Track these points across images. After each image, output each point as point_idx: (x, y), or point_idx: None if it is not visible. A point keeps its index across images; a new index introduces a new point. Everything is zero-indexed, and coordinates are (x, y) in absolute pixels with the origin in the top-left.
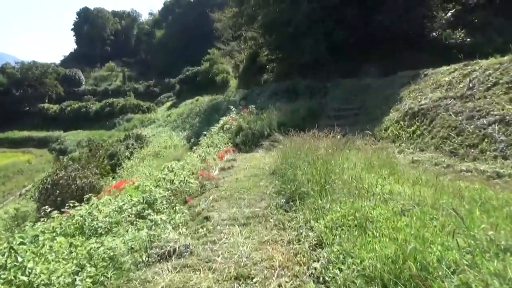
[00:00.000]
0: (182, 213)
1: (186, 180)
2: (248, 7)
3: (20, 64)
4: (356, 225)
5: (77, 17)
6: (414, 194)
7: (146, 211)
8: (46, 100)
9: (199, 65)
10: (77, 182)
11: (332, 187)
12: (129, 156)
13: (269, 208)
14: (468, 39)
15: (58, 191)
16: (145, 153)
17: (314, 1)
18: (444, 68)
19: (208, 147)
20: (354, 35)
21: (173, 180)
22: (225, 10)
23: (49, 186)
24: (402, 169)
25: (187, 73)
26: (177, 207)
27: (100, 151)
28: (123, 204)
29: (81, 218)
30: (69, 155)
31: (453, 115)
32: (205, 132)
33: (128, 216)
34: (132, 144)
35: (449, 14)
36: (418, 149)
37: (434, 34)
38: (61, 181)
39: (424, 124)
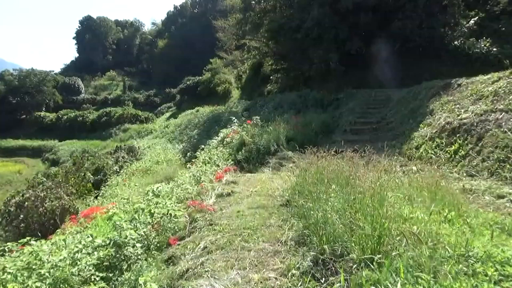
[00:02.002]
0: (157, 273)
1: (170, 214)
2: (254, 13)
3: (18, 70)
4: None
5: (80, 25)
6: None
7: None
8: (43, 109)
9: (201, 75)
10: (46, 205)
11: (393, 245)
12: (118, 170)
13: (289, 273)
14: (494, 49)
15: (22, 216)
16: (134, 169)
17: (326, 5)
18: (484, 77)
19: (205, 164)
20: (369, 43)
21: (153, 213)
22: (228, 18)
23: (12, 209)
24: (462, 202)
25: (187, 82)
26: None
27: (85, 165)
28: (78, 251)
29: (11, 276)
30: (42, 171)
31: (509, 133)
32: (202, 146)
33: (85, 267)
34: (123, 157)
35: (472, 22)
36: (465, 174)
37: (456, 43)
38: (26, 203)
39: (469, 142)
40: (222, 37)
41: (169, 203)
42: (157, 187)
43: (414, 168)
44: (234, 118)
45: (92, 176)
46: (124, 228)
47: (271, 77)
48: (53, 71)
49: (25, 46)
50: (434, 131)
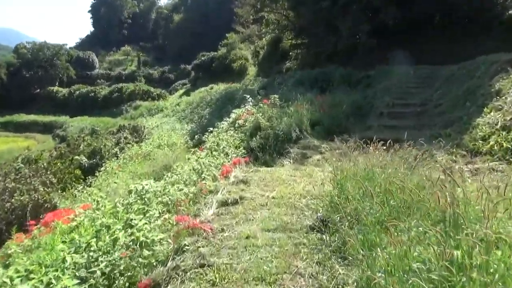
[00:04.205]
0: None
1: (142, 244)
2: None
3: (32, 43)
4: None
5: None
6: None
7: None
8: (57, 83)
9: (216, 51)
10: (12, 200)
11: None
12: (117, 153)
13: None
14: None
15: None
16: (134, 153)
17: None
18: None
19: (211, 152)
20: (405, 13)
21: (117, 239)
22: None
23: None
24: None
25: (202, 58)
26: None
27: (81, 147)
28: None
29: None
30: (23, 154)
31: None
32: (211, 129)
33: None
34: (126, 138)
35: None
36: None
37: (510, 12)
38: None
39: None
40: (239, 11)
41: (144, 223)
42: (143, 187)
43: (483, 165)
44: (248, 96)
45: (87, 160)
46: (68, 264)
47: (290, 53)
48: (66, 44)
49: (45, 20)
50: (508, 118)
